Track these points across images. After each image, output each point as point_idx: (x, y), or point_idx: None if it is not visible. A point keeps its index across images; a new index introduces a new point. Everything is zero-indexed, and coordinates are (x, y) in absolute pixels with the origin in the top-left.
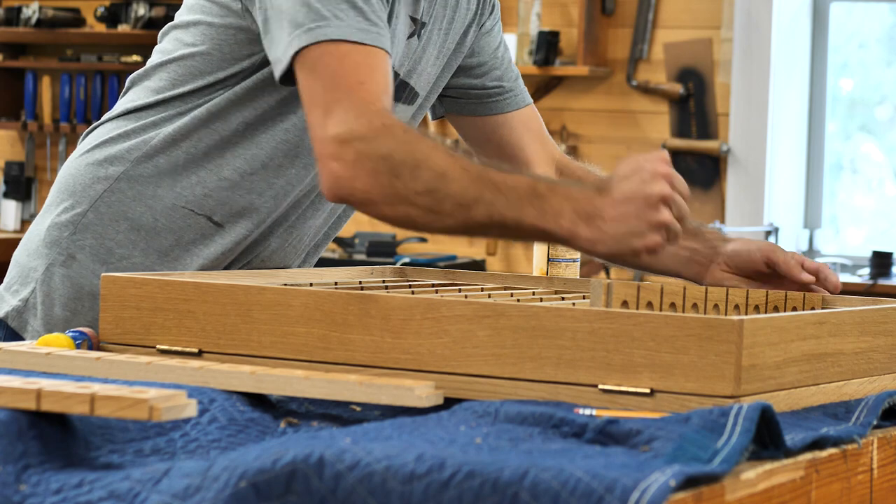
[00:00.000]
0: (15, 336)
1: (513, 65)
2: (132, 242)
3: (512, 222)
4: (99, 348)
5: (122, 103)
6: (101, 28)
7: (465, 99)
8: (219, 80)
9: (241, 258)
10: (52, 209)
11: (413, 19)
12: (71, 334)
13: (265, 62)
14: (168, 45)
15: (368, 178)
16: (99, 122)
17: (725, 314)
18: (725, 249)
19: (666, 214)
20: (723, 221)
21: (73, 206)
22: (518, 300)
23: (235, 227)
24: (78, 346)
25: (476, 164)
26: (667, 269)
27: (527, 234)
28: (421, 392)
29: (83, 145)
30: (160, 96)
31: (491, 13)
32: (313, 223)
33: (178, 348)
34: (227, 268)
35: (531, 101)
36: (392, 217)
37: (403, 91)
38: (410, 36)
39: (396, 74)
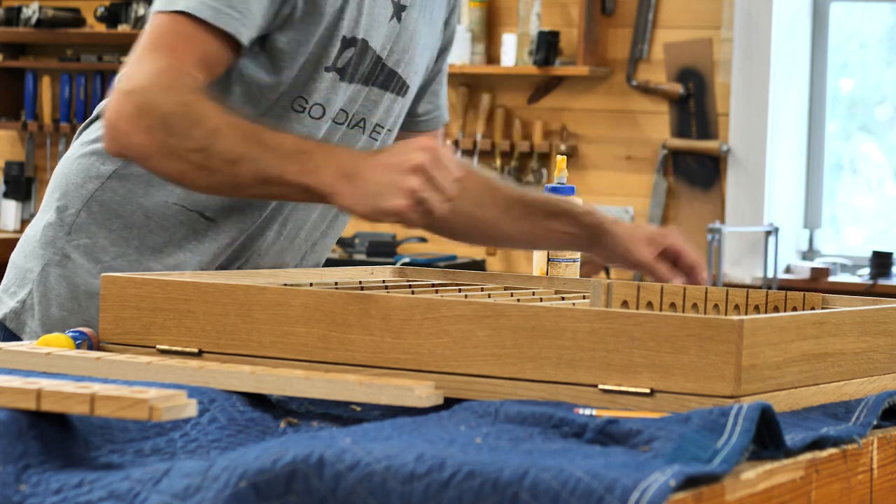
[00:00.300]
0: (13, 338)
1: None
2: (125, 240)
3: (276, 179)
4: (99, 348)
5: None
6: (101, 28)
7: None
8: None
9: (238, 254)
10: (47, 210)
11: (391, 0)
12: (71, 334)
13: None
14: None
15: (144, 134)
16: (90, 119)
17: (725, 314)
18: (603, 241)
19: (414, 182)
20: (723, 221)
21: (66, 206)
22: (518, 300)
23: (228, 222)
24: (78, 346)
25: (249, 124)
26: (557, 248)
27: (291, 191)
28: (421, 392)
29: (75, 144)
30: None
31: (452, 9)
32: (308, 216)
33: (178, 348)
34: (224, 264)
35: (448, 118)
36: (166, 172)
37: (392, 80)
38: (391, 18)
39: (379, 58)
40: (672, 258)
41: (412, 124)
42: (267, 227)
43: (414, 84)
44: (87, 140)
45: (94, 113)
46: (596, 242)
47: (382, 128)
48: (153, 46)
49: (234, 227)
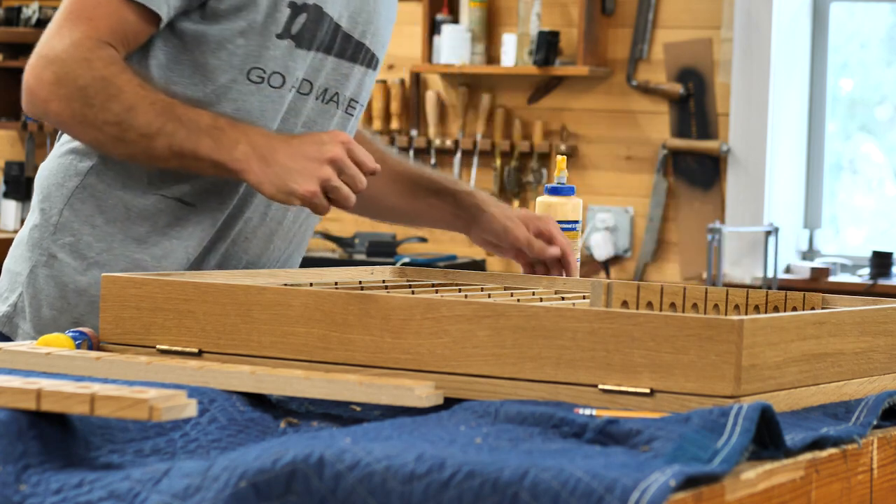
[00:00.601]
0: (6, 342)
1: None
2: (109, 235)
3: (190, 153)
4: (99, 348)
5: None
6: None
7: None
8: (145, 53)
9: (222, 236)
10: (33, 213)
11: None
12: (71, 334)
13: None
14: None
15: (62, 103)
16: None
17: (725, 314)
18: (481, 220)
19: (327, 172)
20: (723, 221)
21: (49, 206)
22: (518, 300)
23: (207, 205)
24: (78, 346)
25: (166, 99)
26: (437, 225)
27: (204, 165)
28: (421, 392)
29: (56, 146)
30: None
31: None
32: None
33: (178, 348)
34: (209, 247)
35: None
36: (82, 139)
37: (361, 52)
38: None
39: (338, 27)
40: (545, 241)
41: None
42: (246, 206)
43: (382, 57)
44: (66, 139)
45: None
46: (474, 222)
47: (357, 102)
48: (73, 15)
49: (216, 208)
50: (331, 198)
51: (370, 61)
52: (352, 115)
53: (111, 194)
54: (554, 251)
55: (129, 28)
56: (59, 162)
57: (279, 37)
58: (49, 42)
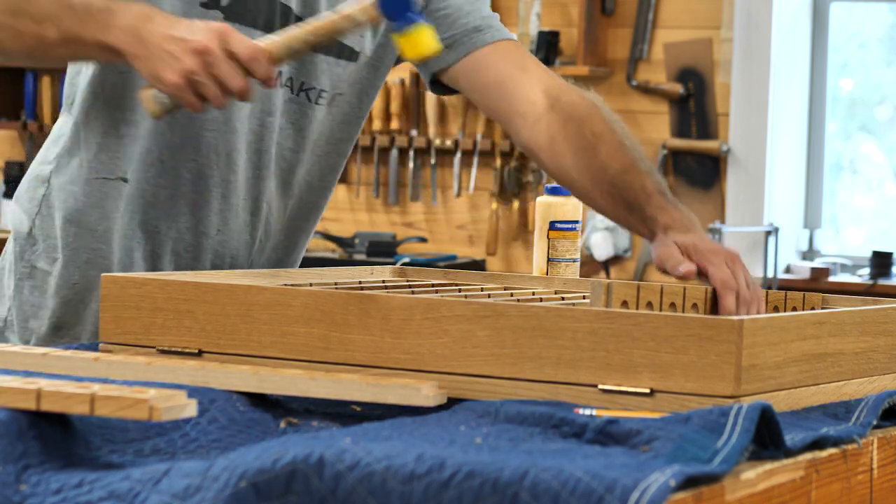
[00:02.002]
0: None
1: (479, 4)
2: (71, 233)
3: (75, 37)
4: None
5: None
6: None
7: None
8: None
9: (202, 230)
10: (13, 229)
11: None
12: None
13: None
14: None
15: None
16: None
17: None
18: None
19: (191, 63)
20: (723, 221)
21: (24, 219)
22: (518, 300)
23: (138, 175)
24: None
25: None
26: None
27: (92, 50)
28: (428, 392)
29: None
30: (69, 88)
31: None
32: (263, 185)
33: (178, 348)
34: (195, 246)
35: (509, 35)
36: None
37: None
38: None
39: (285, 6)
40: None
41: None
42: (208, 193)
43: (358, 46)
44: (41, 153)
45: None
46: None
47: (314, 88)
48: None
49: (146, 178)
50: (197, 94)
51: (338, 50)
52: (311, 102)
53: (65, 191)
54: (675, 274)
55: None
56: (29, 177)
57: (205, 6)
58: None
